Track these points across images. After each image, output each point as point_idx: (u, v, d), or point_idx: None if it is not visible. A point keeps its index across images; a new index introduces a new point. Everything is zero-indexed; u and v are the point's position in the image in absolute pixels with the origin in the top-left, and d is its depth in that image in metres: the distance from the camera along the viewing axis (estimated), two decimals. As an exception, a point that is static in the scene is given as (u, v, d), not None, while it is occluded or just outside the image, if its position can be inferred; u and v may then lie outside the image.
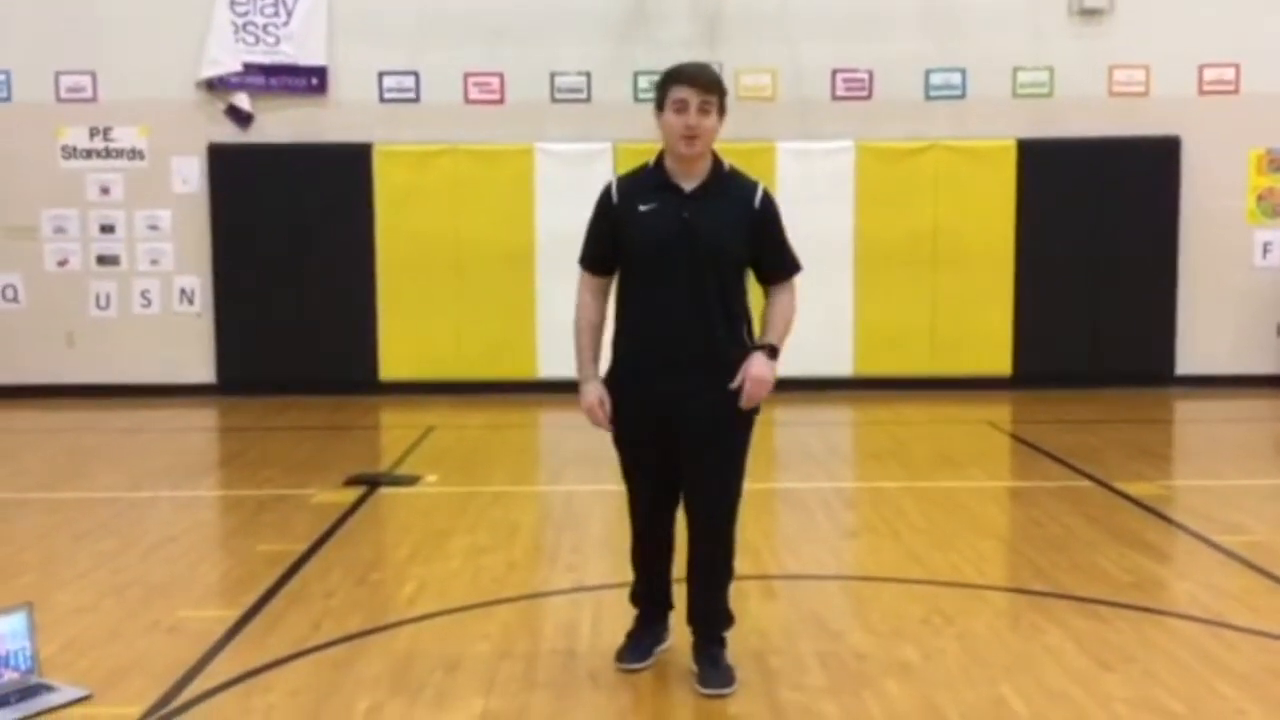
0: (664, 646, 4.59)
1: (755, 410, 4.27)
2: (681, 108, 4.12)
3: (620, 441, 4.38)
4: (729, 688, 4.26)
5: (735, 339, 4.23)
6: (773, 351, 4.21)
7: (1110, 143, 11.55)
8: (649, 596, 4.57)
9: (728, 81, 4.36)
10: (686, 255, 4.13)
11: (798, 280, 4.36)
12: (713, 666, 4.32)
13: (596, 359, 4.31)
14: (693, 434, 4.21)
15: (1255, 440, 9.84)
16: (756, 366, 4.15)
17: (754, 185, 4.29)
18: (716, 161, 4.27)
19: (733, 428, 4.25)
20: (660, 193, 4.21)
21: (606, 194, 4.31)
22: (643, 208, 4.20)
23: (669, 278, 4.15)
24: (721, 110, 4.19)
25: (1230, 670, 4.43)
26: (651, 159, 4.32)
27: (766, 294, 4.37)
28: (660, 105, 4.19)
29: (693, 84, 4.12)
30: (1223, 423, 10.42)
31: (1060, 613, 5.08)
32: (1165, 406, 11.14)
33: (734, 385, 4.14)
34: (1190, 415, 10.89)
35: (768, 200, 4.27)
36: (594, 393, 4.26)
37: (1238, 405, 10.99)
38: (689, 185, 4.21)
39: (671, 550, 4.50)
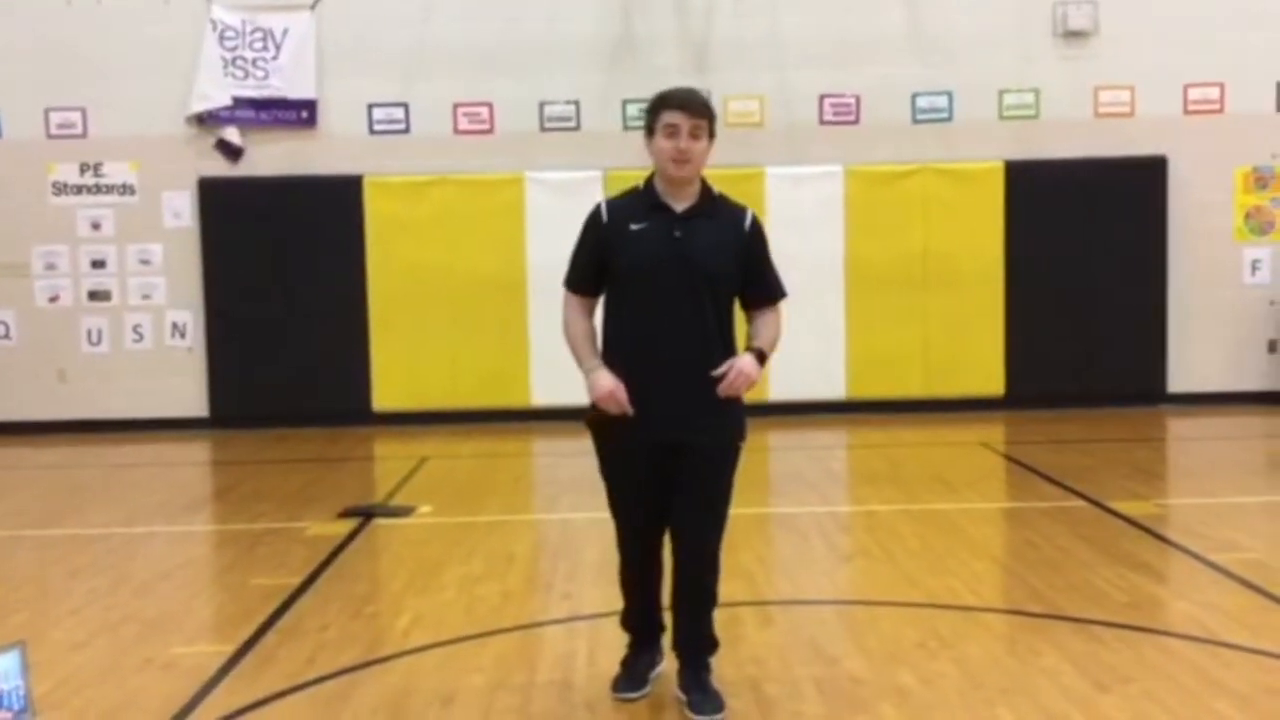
0: (658, 670, 4.58)
1: (743, 436, 4.30)
2: (673, 133, 4.15)
3: (612, 468, 4.37)
4: (721, 713, 4.26)
5: (728, 359, 4.22)
6: (761, 356, 4.23)
7: (1097, 163, 11.60)
8: (641, 621, 4.57)
9: (716, 108, 4.38)
10: (679, 273, 4.15)
11: (783, 306, 4.38)
12: (702, 693, 4.31)
13: (596, 353, 4.28)
14: (688, 460, 4.21)
15: (1249, 457, 9.86)
16: (745, 361, 4.17)
17: (743, 209, 4.33)
18: (705, 186, 4.30)
19: (726, 454, 4.27)
20: (652, 213, 4.23)
21: (596, 214, 4.32)
22: (634, 227, 4.21)
23: (662, 296, 4.16)
24: (711, 134, 4.22)
25: (1228, 689, 4.42)
26: (641, 183, 4.34)
27: (750, 319, 4.39)
28: (651, 130, 4.21)
29: (684, 109, 4.16)
30: (1216, 440, 10.43)
31: (1057, 634, 5.08)
32: (1158, 425, 11.15)
33: (718, 372, 4.13)
34: (1183, 433, 10.90)
35: (757, 225, 4.31)
36: (608, 378, 4.18)
37: (1230, 423, 11.01)
38: (680, 206, 4.24)
39: (661, 573, 4.49)
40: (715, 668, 4.44)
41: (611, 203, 4.35)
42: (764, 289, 4.35)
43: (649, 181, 4.31)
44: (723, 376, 4.14)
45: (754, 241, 4.29)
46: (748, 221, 4.29)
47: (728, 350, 4.24)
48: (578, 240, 4.36)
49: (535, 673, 4.79)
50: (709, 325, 4.18)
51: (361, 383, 11.70)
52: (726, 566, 4.46)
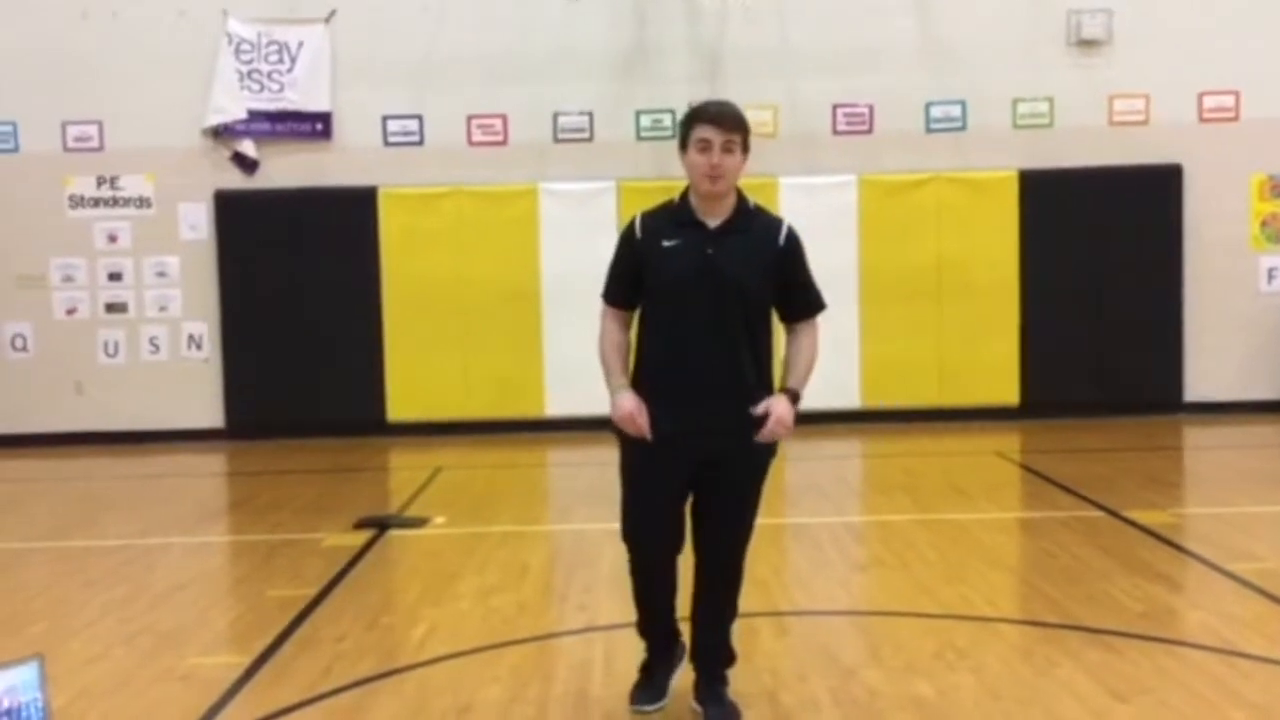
0: (678, 672, 4.54)
1: (774, 453, 4.27)
2: (705, 147, 4.11)
3: (635, 478, 4.31)
4: (738, 725, 4.25)
5: (761, 377, 4.21)
6: (795, 396, 4.21)
7: (1112, 172, 11.58)
8: (656, 630, 4.52)
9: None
10: (711, 291, 4.11)
11: (819, 318, 4.35)
12: (718, 705, 4.31)
13: (626, 372, 4.27)
14: (718, 478, 4.19)
15: (1265, 466, 9.79)
16: (781, 408, 4.14)
17: (779, 223, 4.28)
18: (741, 199, 4.26)
19: (755, 470, 4.25)
20: (684, 229, 4.19)
21: (631, 229, 4.29)
22: (666, 244, 4.18)
23: (694, 314, 4.13)
24: (745, 148, 4.17)
25: (1245, 699, 4.40)
26: (676, 195, 4.32)
27: (788, 332, 4.35)
28: (684, 144, 4.18)
29: (716, 123, 4.12)
30: (1232, 449, 10.39)
31: (1073, 645, 5.06)
32: (1174, 434, 11.11)
33: (757, 412, 4.11)
34: (1199, 442, 10.86)
35: (793, 238, 4.26)
36: (629, 400, 4.16)
37: (1246, 432, 10.96)
38: (714, 222, 4.20)
39: (675, 582, 4.44)
40: (731, 680, 4.43)
41: (647, 217, 4.30)
42: (800, 303, 4.30)
43: (684, 195, 4.28)
44: (760, 418, 4.10)
45: (789, 255, 4.23)
46: (783, 235, 4.23)
47: (761, 369, 4.21)
48: (614, 253, 4.34)
49: (552, 684, 4.78)
50: (741, 343, 4.15)
51: (376, 393, 11.72)
52: (741, 577, 4.45)
